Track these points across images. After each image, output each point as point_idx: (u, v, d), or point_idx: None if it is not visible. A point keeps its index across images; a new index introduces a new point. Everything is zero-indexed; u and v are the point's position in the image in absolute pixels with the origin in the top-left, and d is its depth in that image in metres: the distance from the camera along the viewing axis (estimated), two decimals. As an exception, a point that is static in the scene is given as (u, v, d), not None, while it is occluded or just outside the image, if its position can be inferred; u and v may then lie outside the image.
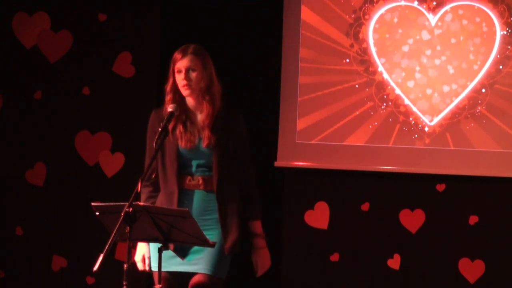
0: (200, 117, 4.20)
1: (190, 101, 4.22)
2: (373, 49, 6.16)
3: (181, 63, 4.16)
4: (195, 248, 4.12)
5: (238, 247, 4.17)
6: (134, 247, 4.20)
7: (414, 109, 6.11)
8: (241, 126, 4.24)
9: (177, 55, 4.19)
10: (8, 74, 6.25)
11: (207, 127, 4.16)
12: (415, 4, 6.10)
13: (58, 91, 6.21)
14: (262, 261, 4.25)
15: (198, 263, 4.14)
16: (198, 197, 4.17)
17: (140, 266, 4.25)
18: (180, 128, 4.19)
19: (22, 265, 6.20)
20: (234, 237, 4.15)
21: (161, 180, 4.22)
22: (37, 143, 6.21)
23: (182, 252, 4.14)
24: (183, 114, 4.21)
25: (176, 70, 4.18)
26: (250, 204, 4.23)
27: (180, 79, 4.17)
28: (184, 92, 4.17)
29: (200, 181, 4.17)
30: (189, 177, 4.18)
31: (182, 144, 4.17)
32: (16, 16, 6.25)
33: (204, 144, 4.16)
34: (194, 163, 4.19)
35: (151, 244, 4.19)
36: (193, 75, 4.16)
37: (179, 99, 4.20)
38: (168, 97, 4.21)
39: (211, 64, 4.24)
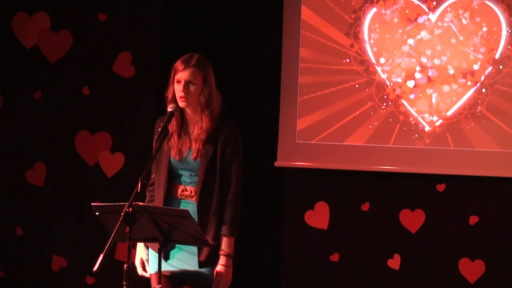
0: (196, 130, 4.19)
1: (188, 114, 4.21)
2: (373, 49, 6.16)
3: (182, 75, 4.14)
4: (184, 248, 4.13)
5: (211, 261, 4.09)
6: (134, 247, 4.20)
7: (414, 109, 6.10)
8: (234, 135, 4.19)
9: (179, 65, 4.16)
10: (8, 74, 6.25)
11: (200, 141, 4.15)
12: (416, 1, 6.10)
13: (58, 91, 6.21)
14: (218, 278, 4.11)
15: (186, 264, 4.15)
16: (184, 207, 4.12)
17: (139, 270, 4.23)
18: (175, 137, 4.19)
19: (22, 265, 6.20)
20: (207, 251, 4.09)
21: (155, 187, 4.23)
22: (37, 143, 6.21)
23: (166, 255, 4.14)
24: (180, 124, 4.21)
25: (176, 80, 4.16)
26: (226, 219, 4.12)
27: (178, 90, 4.15)
28: (180, 103, 4.15)
29: (193, 193, 4.16)
30: (182, 187, 4.18)
31: (172, 155, 4.18)
32: (16, 16, 6.25)
33: (192, 157, 4.16)
34: (185, 173, 4.18)
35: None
36: (192, 88, 4.14)
37: (179, 109, 4.18)
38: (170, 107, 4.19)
39: (213, 76, 4.20)
